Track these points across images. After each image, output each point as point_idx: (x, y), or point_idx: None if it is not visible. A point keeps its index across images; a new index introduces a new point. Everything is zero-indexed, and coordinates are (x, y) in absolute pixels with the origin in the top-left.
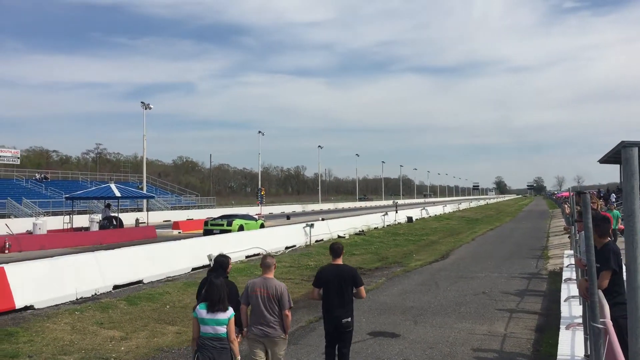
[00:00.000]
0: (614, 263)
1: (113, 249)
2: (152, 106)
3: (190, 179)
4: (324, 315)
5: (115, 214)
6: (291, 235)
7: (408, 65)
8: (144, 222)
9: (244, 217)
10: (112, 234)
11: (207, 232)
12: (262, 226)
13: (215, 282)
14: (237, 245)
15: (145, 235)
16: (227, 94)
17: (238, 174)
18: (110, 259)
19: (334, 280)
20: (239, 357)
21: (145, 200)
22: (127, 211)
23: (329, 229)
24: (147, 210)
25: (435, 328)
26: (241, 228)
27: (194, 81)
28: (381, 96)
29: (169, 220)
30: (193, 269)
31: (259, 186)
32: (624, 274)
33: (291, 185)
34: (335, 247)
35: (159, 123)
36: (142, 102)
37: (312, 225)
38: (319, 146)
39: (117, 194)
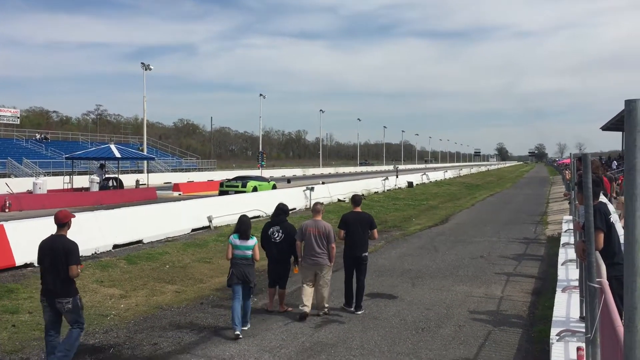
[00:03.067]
0: (600, 222)
1: (113, 209)
2: (152, 67)
3: (191, 141)
4: (346, 251)
5: (115, 175)
6: (291, 199)
7: (413, 28)
8: (144, 184)
9: (257, 179)
10: (112, 195)
11: (223, 193)
12: (274, 187)
13: (244, 219)
14: (237, 207)
15: (145, 197)
16: (229, 57)
17: (239, 137)
18: (110, 218)
19: (355, 224)
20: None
21: (145, 162)
22: (127, 173)
23: (329, 193)
24: (148, 172)
25: (433, 290)
26: (255, 189)
27: (196, 43)
28: (385, 60)
29: (170, 183)
30: (193, 230)
31: (260, 150)
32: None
33: (292, 149)
34: (356, 197)
35: (160, 85)
36: (142, 63)
37: (312, 189)
38: (320, 110)
39: (117, 154)
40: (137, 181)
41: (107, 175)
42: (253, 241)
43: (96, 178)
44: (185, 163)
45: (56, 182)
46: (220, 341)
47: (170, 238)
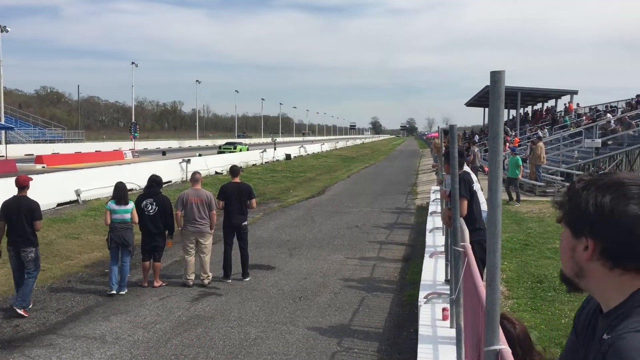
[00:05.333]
0: (464, 190)
1: None
2: (9, 29)
3: (55, 111)
4: (225, 221)
5: None
6: (167, 171)
7: (293, 1)
8: (2, 156)
9: (241, 144)
10: None
11: (220, 152)
12: (248, 149)
13: (119, 185)
14: (108, 181)
15: (3, 169)
16: (98, 22)
17: (110, 108)
18: None
19: (235, 194)
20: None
21: (2, 132)
22: None
23: (206, 165)
24: (6, 143)
25: (310, 260)
26: (241, 150)
27: (60, 5)
28: (264, 32)
29: (32, 154)
30: (59, 205)
31: (133, 120)
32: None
33: (167, 121)
34: (234, 168)
35: (19, 49)
36: None
37: (188, 161)
38: (197, 81)
39: None
40: None
41: None
42: (131, 205)
43: None
44: (49, 134)
45: None
46: (91, 319)
47: None
